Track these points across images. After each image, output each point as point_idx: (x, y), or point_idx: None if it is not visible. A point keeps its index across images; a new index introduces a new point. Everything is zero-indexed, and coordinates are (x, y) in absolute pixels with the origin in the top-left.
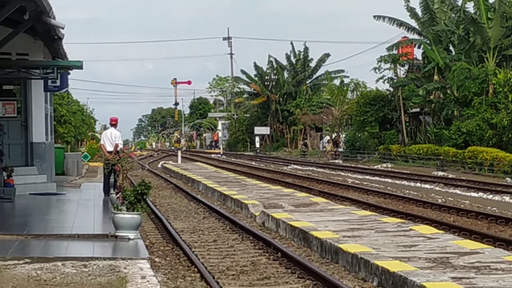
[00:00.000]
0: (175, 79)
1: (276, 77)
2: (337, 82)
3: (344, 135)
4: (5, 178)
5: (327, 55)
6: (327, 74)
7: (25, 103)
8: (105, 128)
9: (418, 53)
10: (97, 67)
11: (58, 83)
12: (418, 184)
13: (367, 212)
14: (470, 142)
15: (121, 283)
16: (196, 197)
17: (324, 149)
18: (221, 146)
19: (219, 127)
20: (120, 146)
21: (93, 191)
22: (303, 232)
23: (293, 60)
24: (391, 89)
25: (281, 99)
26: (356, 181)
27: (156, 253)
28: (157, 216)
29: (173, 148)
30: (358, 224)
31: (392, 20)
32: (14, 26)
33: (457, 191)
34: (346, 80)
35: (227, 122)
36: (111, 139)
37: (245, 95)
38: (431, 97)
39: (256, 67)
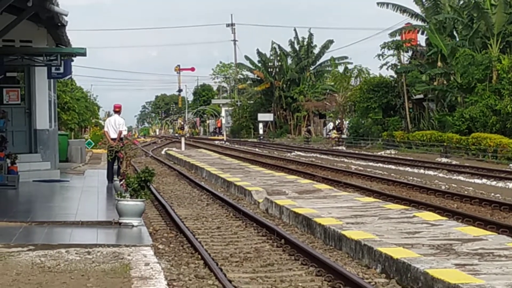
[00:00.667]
0: (179, 65)
1: (280, 63)
2: (341, 69)
3: (347, 122)
4: (9, 165)
5: (331, 41)
6: (332, 60)
7: (29, 90)
8: (108, 115)
9: (421, 39)
10: (100, 53)
11: (61, 70)
12: (422, 171)
13: (371, 199)
14: (474, 128)
15: (124, 270)
16: (200, 184)
17: (328, 135)
18: (224, 133)
19: (223, 113)
20: (124, 133)
21: (97, 178)
22: (307, 219)
23: (297, 46)
24: (395, 76)
25: (284, 85)
26: (360, 168)
27: (160, 240)
28: (160, 203)
29: (176, 134)
30: (362, 211)
31: (396, 7)
32: (17, 13)
33: (461, 177)
34: (349, 67)
35: (230, 108)
36: (114, 126)
37: (248, 82)
38: (435, 83)
39: (260, 53)
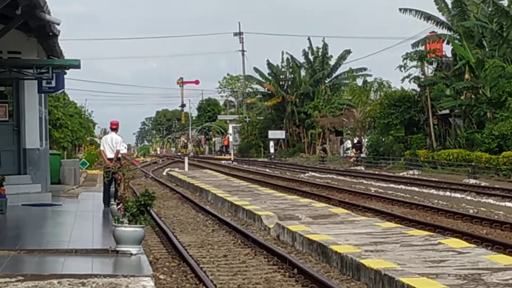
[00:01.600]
0: (182, 78)
1: (292, 76)
2: (359, 81)
3: (366, 140)
4: None
5: (348, 51)
6: (350, 72)
7: (17, 105)
8: (105, 132)
9: (447, 49)
10: (96, 65)
11: (53, 83)
12: (448, 193)
13: (392, 224)
14: (505, 146)
15: None
16: (205, 207)
17: (345, 154)
18: (232, 152)
19: (230, 130)
20: (124, 150)
21: (92, 201)
22: (322, 246)
23: (311, 57)
24: (418, 89)
25: (297, 100)
26: (380, 190)
27: (161, 269)
28: (162, 229)
29: (179, 154)
30: (382, 237)
31: (419, 13)
32: (5, 22)
33: (491, 200)
34: (369, 79)
35: (238, 125)
36: (111, 144)
37: (258, 96)
38: (462, 97)
39: (270, 65)
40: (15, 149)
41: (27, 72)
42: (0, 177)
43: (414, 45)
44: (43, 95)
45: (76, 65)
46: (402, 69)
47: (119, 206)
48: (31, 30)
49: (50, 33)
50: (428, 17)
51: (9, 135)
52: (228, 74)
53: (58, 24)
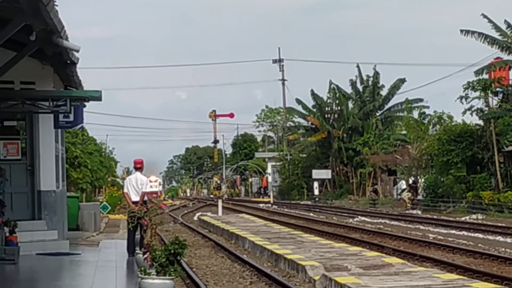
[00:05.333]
0: (214, 111)
1: (339, 108)
2: (415, 113)
3: (423, 180)
4: (7, 234)
5: (402, 80)
6: (406, 103)
7: (31, 142)
8: (128, 172)
9: None
10: (118, 97)
11: (71, 117)
12: None
13: (453, 276)
14: None
15: None
16: (241, 257)
17: (399, 197)
18: (271, 194)
19: (269, 170)
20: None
21: (115, 250)
22: None
23: (360, 87)
24: (481, 123)
25: (345, 135)
26: (439, 237)
27: None
28: (193, 281)
29: (211, 196)
30: None
31: (482, 36)
32: (18, 48)
33: None
34: (426, 111)
35: (278, 164)
36: (136, 186)
37: (300, 131)
38: None
39: (314, 95)
40: (29, 192)
41: (42, 105)
42: (12, 223)
43: (477, 72)
44: (59, 130)
45: (96, 96)
46: (463, 100)
47: (145, 256)
48: (46, 57)
49: (68, 61)
50: (493, 41)
51: (22, 176)
52: (266, 106)
53: (77, 51)
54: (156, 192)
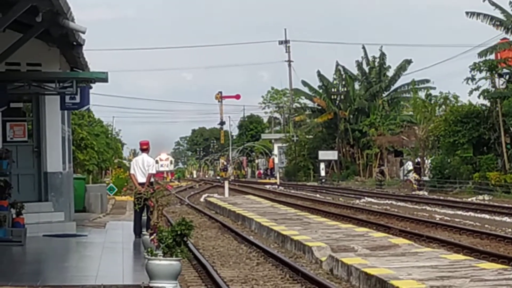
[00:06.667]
0: (220, 92)
1: (345, 89)
2: (421, 94)
3: (430, 161)
4: (14, 216)
5: (409, 61)
6: (413, 84)
7: (38, 124)
8: (134, 154)
9: None
10: (124, 78)
11: (77, 99)
12: None
13: (460, 256)
14: None
15: None
16: (248, 238)
17: (406, 178)
18: (277, 175)
19: (275, 151)
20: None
21: (121, 231)
22: (381, 281)
23: (366, 68)
24: (488, 104)
25: (351, 116)
26: (446, 218)
27: None
28: (200, 262)
29: (218, 177)
30: (449, 271)
31: (488, 18)
32: (24, 30)
33: None
34: (433, 92)
35: (284, 145)
36: (143, 167)
37: (307, 112)
38: None
39: (321, 77)
40: (35, 173)
41: (49, 87)
42: (18, 204)
43: (481, 54)
44: (66, 112)
45: (103, 78)
46: (470, 81)
47: (152, 237)
48: (52, 39)
49: (74, 43)
50: (499, 23)
51: (28, 158)
52: (272, 88)
53: (84, 33)
54: (166, 172)
